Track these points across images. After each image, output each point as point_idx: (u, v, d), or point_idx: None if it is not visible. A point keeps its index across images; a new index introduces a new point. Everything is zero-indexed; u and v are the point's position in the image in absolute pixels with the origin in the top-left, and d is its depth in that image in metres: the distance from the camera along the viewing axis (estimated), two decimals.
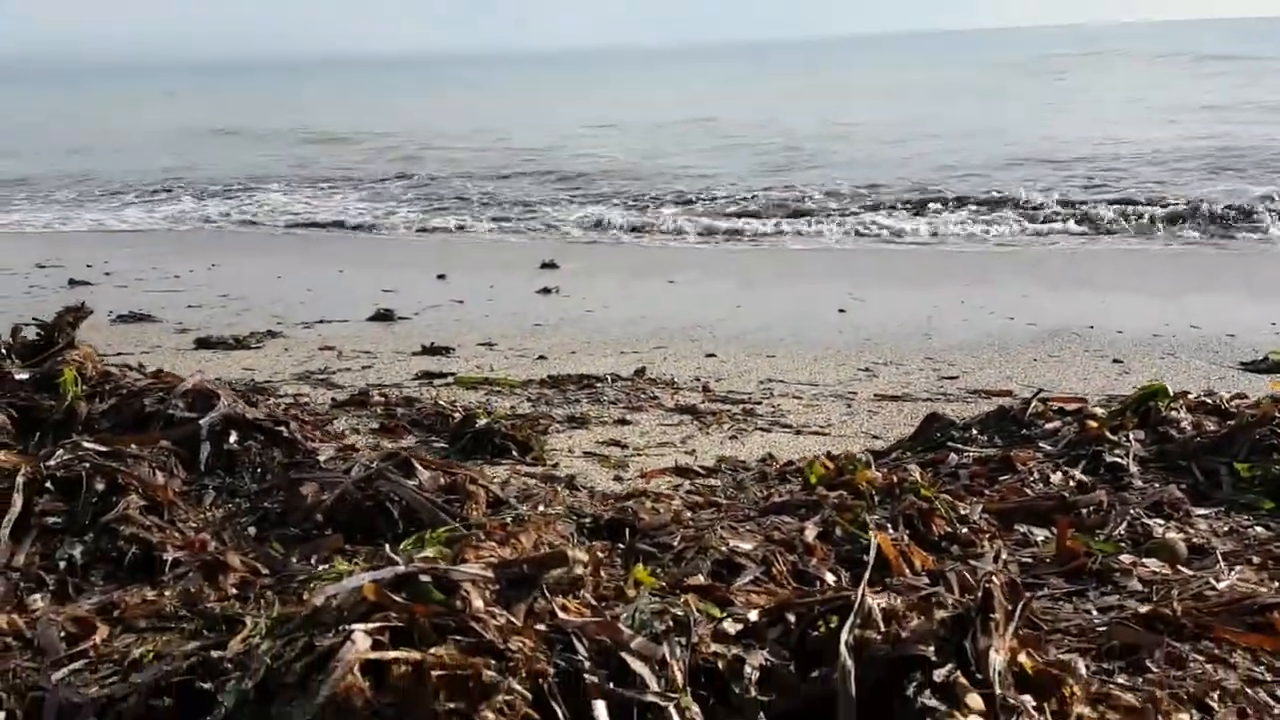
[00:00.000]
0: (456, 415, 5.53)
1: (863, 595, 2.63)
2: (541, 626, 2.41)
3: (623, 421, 6.11)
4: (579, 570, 2.65)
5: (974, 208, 14.61)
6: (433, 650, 2.14)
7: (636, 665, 2.38)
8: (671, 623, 2.51)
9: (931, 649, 2.50)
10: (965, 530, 3.77)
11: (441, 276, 10.53)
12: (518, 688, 2.19)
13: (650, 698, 2.34)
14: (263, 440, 3.50)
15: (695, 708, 2.39)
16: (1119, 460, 4.51)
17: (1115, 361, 7.77)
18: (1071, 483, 4.28)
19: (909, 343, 8.34)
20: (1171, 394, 4.91)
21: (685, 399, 6.64)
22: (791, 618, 2.68)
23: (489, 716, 2.14)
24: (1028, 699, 2.44)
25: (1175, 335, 8.54)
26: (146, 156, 23.36)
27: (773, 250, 13.51)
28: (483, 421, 5.35)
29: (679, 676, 2.42)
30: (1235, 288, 10.77)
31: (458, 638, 2.22)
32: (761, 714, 2.47)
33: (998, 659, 2.48)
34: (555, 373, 7.07)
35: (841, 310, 9.44)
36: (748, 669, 2.52)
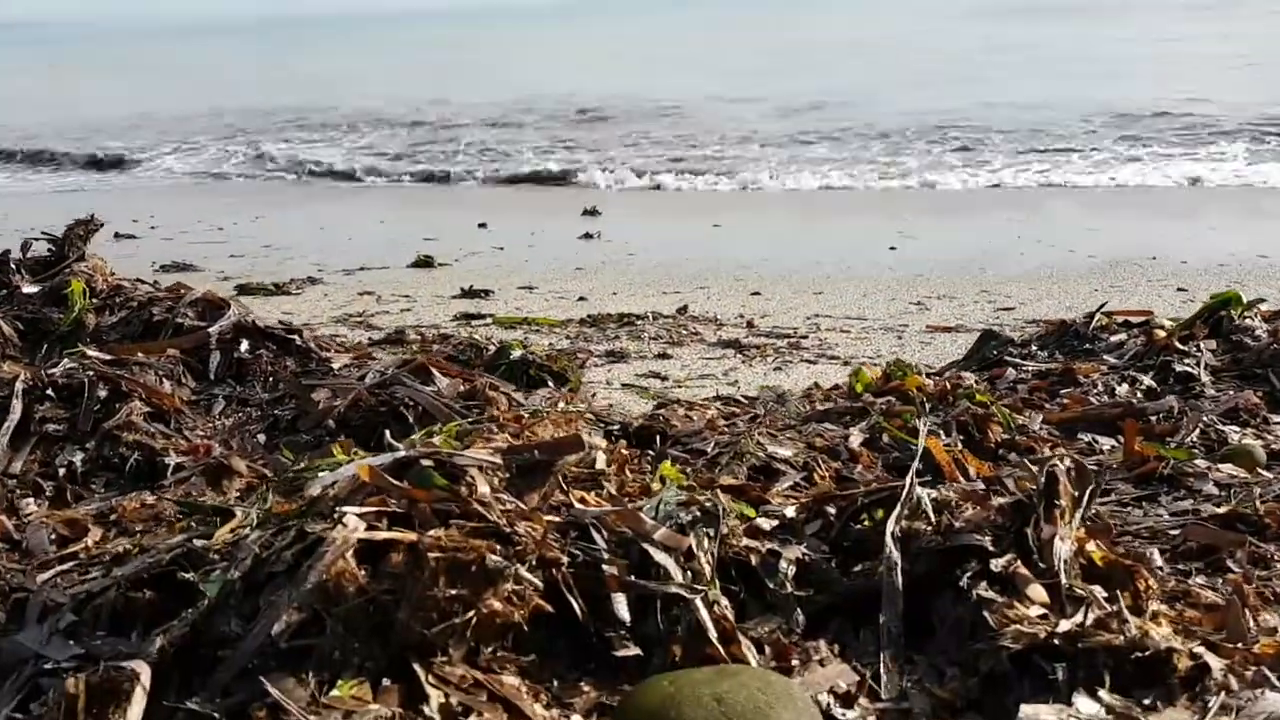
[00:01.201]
0: (491, 348, 5.34)
1: (910, 483, 2.37)
2: (556, 518, 2.18)
3: (663, 356, 5.87)
4: (599, 461, 2.41)
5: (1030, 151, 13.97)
6: (431, 532, 1.92)
7: (660, 556, 2.14)
8: (699, 514, 2.26)
9: (988, 538, 2.23)
10: (1024, 439, 3.47)
11: (483, 225, 10.35)
12: (527, 575, 1.96)
13: (674, 589, 2.10)
14: (275, 349, 3.32)
15: (724, 601, 2.15)
16: (1189, 370, 4.16)
17: (1179, 290, 7.34)
18: (1139, 391, 3.95)
19: (962, 276, 7.97)
20: (1245, 302, 4.53)
21: (728, 334, 6.38)
22: (832, 510, 2.42)
23: (495, 605, 1.92)
24: (1097, 589, 2.17)
25: (1242, 264, 8.07)
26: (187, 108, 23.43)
27: (820, 193, 13.12)
28: (517, 353, 5.12)
29: (706, 569, 2.18)
30: None
31: (461, 522, 2.00)
32: (799, 610, 2.23)
33: (1063, 547, 2.20)
34: (595, 312, 6.85)
35: (892, 247, 9.08)
36: (783, 562, 2.28)
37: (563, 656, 2.10)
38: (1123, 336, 4.64)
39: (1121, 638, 2.00)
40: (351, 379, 3.01)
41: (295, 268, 8.40)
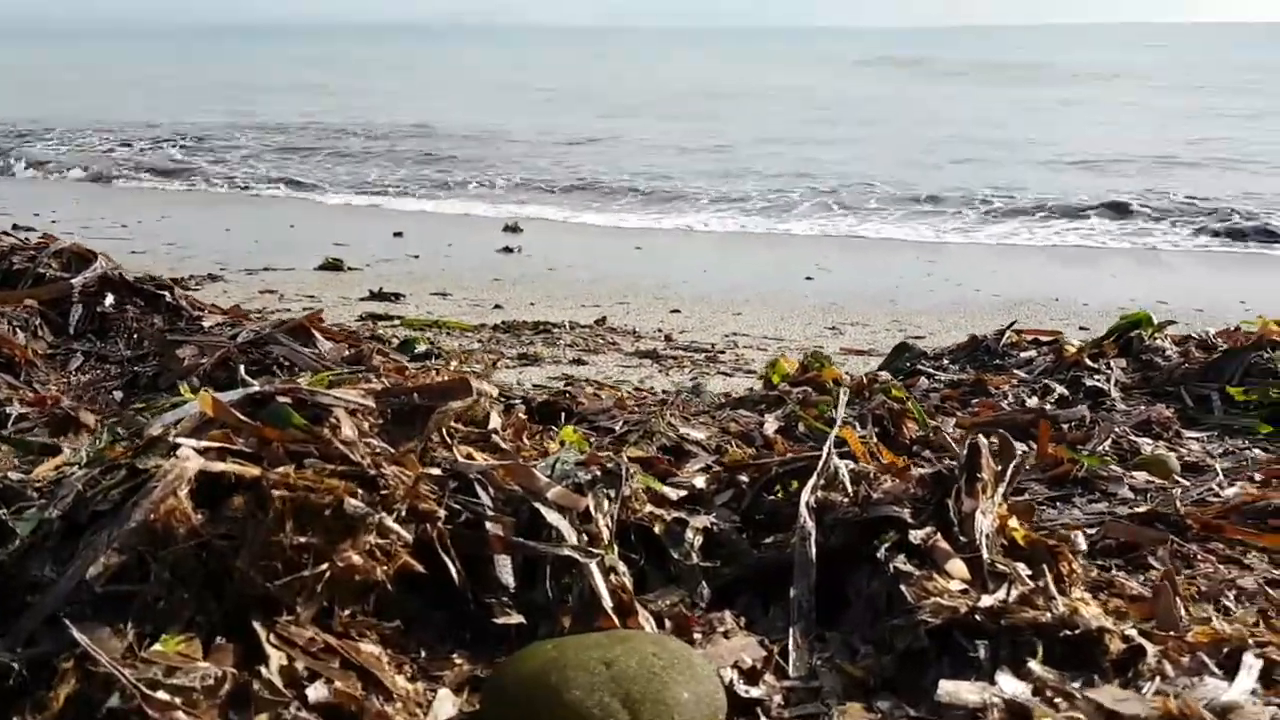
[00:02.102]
0: (394, 341, 5.03)
1: (828, 453, 2.16)
2: (436, 470, 1.91)
3: (578, 362, 5.64)
4: (493, 420, 2.15)
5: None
6: (279, 469, 1.64)
7: (552, 516, 1.89)
8: (599, 474, 2.02)
9: (907, 510, 2.03)
10: (937, 438, 3.30)
11: (398, 234, 10.04)
12: (394, 526, 1.69)
13: (566, 552, 1.85)
14: (143, 305, 2.99)
15: (622, 568, 1.90)
16: (1099, 385, 4.08)
17: (1081, 329, 7.38)
18: (1050, 400, 3.84)
19: (875, 307, 7.93)
20: (1156, 324, 4.49)
21: (646, 345, 6.19)
22: (744, 480, 2.20)
23: (353, 559, 1.64)
24: (1021, 567, 1.98)
25: (1141, 308, 8.19)
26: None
27: (741, 233, 13.06)
28: (422, 347, 4.85)
29: (605, 533, 1.93)
30: (1195, 269, 10.48)
31: (319, 464, 1.72)
32: (704, 583, 1.99)
33: (985, 521, 2.01)
34: (511, 319, 6.60)
35: (809, 278, 9.03)
36: (689, 531, 2.04)
37: (434, 625, 1.83)
38: (1033, 353, 4.56)
39: (1049, 615, 1.81)
40: (223, 337, 2.70)
41: (196, 265, 7.98)
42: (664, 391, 3.85)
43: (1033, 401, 3.98)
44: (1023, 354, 4.55)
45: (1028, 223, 12.77)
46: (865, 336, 6.94)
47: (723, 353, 6.21)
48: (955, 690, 1.67)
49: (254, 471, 1.60)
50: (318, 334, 2.76)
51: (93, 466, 1.74)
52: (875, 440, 3.05)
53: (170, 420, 1.83)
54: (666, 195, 14.02)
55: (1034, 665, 1.67)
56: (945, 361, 4.53)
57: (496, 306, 7.17)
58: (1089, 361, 4.27)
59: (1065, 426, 3.61)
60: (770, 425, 2.96)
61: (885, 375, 3.62)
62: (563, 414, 2.86)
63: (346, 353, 2.74)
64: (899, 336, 6.85)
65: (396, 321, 6.52)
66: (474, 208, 12.93)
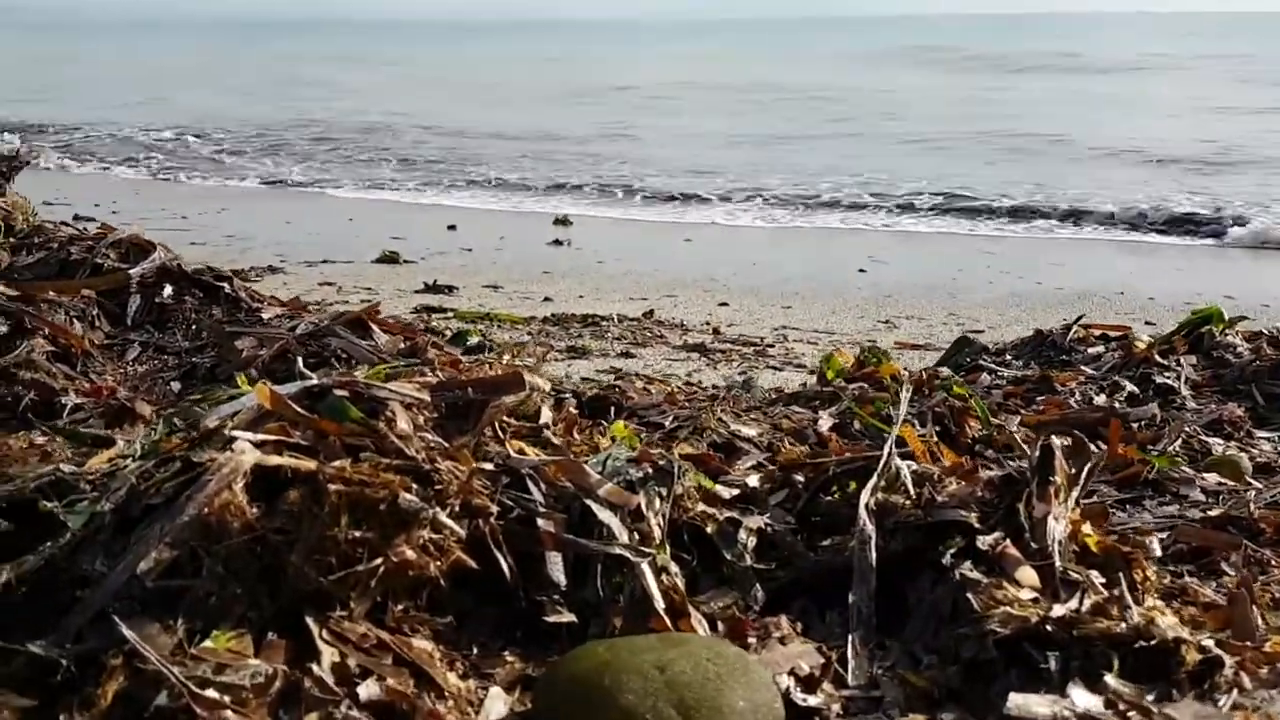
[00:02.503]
0: (448, 333, 5.04)
1: (889, 453, 2.09)
2: (488, 465, 1.88)
3: (626, 355, 5.61)
4: (545, 415, 2.11)
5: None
6: (336, 463, 1.61)
7: (603, 514, 1.84)
8: (651, 471, 1.97)
9: (974, 515, 1.95)
10: (1001, 436, 3.20)
11: (452, 227, 10.11)
12: (447, 521, 1.66)
13: (618, 550, 1.80)
14: (202, 296, 3.00)
15: (674, 568, 1.85)
16: (1169, 382, 3.93)
17: (1148, 324, 7.16)
18: (1119, 399, 3.71)
19: (931, 300, 7.78)
20: (1227, 319, 4.33)
21: (694, 339, 6.15)
22: (800, 479, 2.13)
23: (407, 554, 1.61)
24: (1094, 574, 1.89)
25: (1210, 303, 7.94)
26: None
27: (790, 227, 12.92)
28: (474, 339, 4.84)
29: (656, 532, 1.88)
30: (1260, 265, 10.16)
31: (374, 458, 1.69)
32: (758, 585, 1.93)
33: (1057, 527, 1.92)
34: (560, 312, 6.60)
35: (861, 270, 8.89)
36: (743, 532, 1.98)
37: (487, 621, 1.79)
38: (1100, 349, 4.41)
39: (1124, 625, 1.73)
40: (282, 329, 2.70)
41: (256, 257, 8.07)
42: (713, 386, 3.79)
43: (1100, 399, 3.85)
44: (1090, 349, 4.41)
45: (1088, 215, 12.47)
46: (921, 330, 6.80)
47: (772, 346, 6.14)
48: (1025, 704, 1.60)
49: (310, 465, 1.57)
50: (374, 327, 2.74)
51: (147, 459, 1.73)
52: (935, 439, 2.97)
53: (226, 412, 1.81)
54: (715, 189, 13.89)
55: (1110, 679, 1.59)
56: (1008, 357, 4.40)
57: (546, 299, 7.17)
58: (1159, 358, 4.12)
59: (1135, 426, 3.49)
60: (825, 422, 2.88)
61: (945, 371, 3.53)
62: (612, 408, 2.81)
63: (402, 345, 2.73)
64: (956, 331, 6.70)
65: (450, 314, 6.55)
66: (523, 204, 12.93)
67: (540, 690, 1.52)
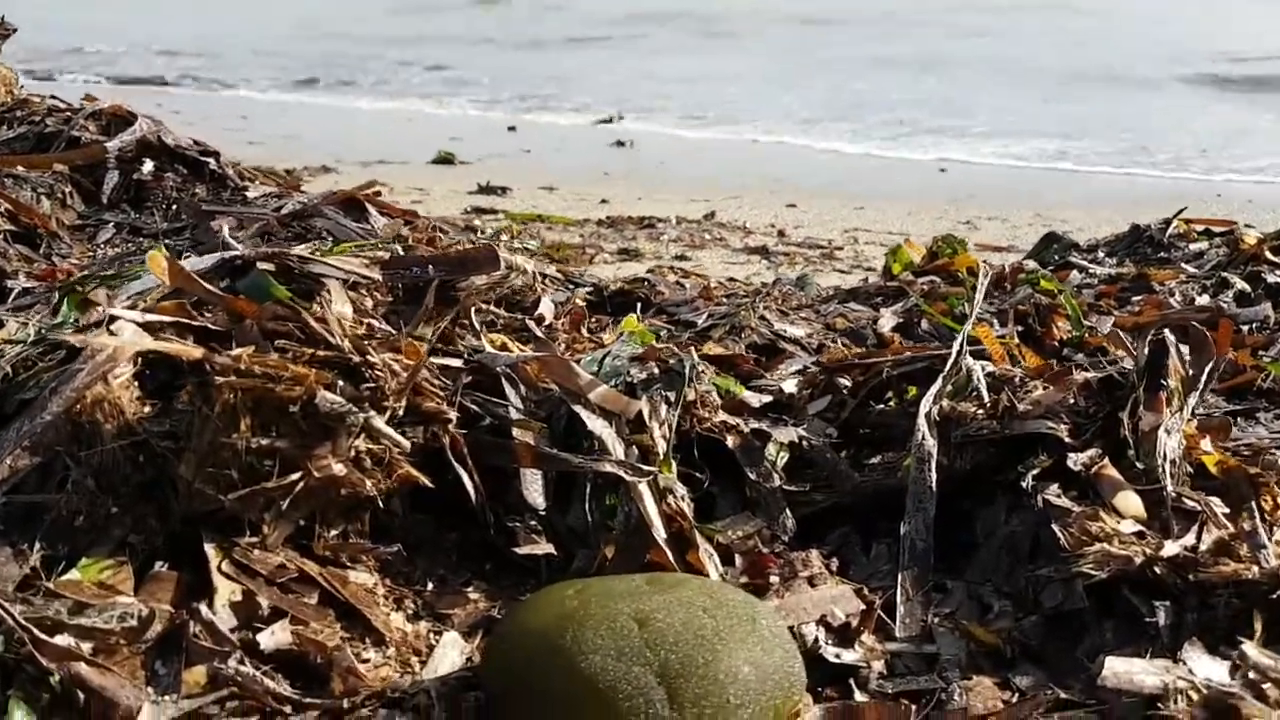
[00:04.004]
0: (487, 231, 4.68)
1: (958, 351, 1.66)
2: (455, 362, 1.51)
3: (681, 258, 5.21)
4: (544, 304, 1.73)
5: None
6: (234, 352, 1.25)
7: (594, 423, 1.46)
8: (657, 372, 1.58)
9: (1064, 428, 1.52)
10: (1094, 339, 2.73)
11: (512, 129, 9.70)
12: (385, 430, 1.30)
13: (609, 467, 1.42)
14: (185, 174, 2.68)
15: (681, 489, 1.47)
16: None
17: (1248, 227, 6.46)
18: (1227, 296, 3.19)
19: (1014, 200, 7.16)
20: None
21: (756, 241, 5.71)
22: (847, 384, 1.72)
23: (333, 468, 1.26)
24: (1215, 503, 1.46)
25: None
26: None
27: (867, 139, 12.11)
28: (505, 238, 4.48)
29: (660, 446, 1.50)
30: None
31: (300, 349, 1.33)
32: (787, 512, 1.54)
33: (1169, 442, 1.49)
34: (615, 214, 6.20)
35: (942, 169, 8.27)
36: (771, 446, 1.59)
37: (447, 552, 1.45)
38: (1203, 245, 3.86)
39: (1256, 569, 1.30)
40: (266, 209, 2.36)
41: (312, 158, 7.80)
42: (761, 283, 3.37)
43: (1204, 299, 3.33)
44: (1191, 246, 3.86)
45: (1183, 98, 11.42)
46: (1004, 231, 6.25)
47: (840, 249, 5.68)
48: (1126, 670, 1.19)
49: (194, 353, 1.22)
50: (372, 208, 2.39)
51: (36, 346, 1.40)
52: (1016, 341, 2.52)
53: (137, 290, 1.47)
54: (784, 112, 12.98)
55: (1250, 647, 1.17)
56: (1100, 254, 3.88)
57: (603, 201, 6.77)
58: (1270, 255, 3.56)
59: (1246, 328, 2.99)
60: (887, 321, 2.45)
61: (1031, 265, 3.04)
62: (638, 304, 2.42)
63: (403, 230, 2.37)
64: (1042, 232, 6.13)
65: (500, 215, 6.20)
66: (582, 119, 12.31)
67: (489, 650, 1.17)
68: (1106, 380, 1.55)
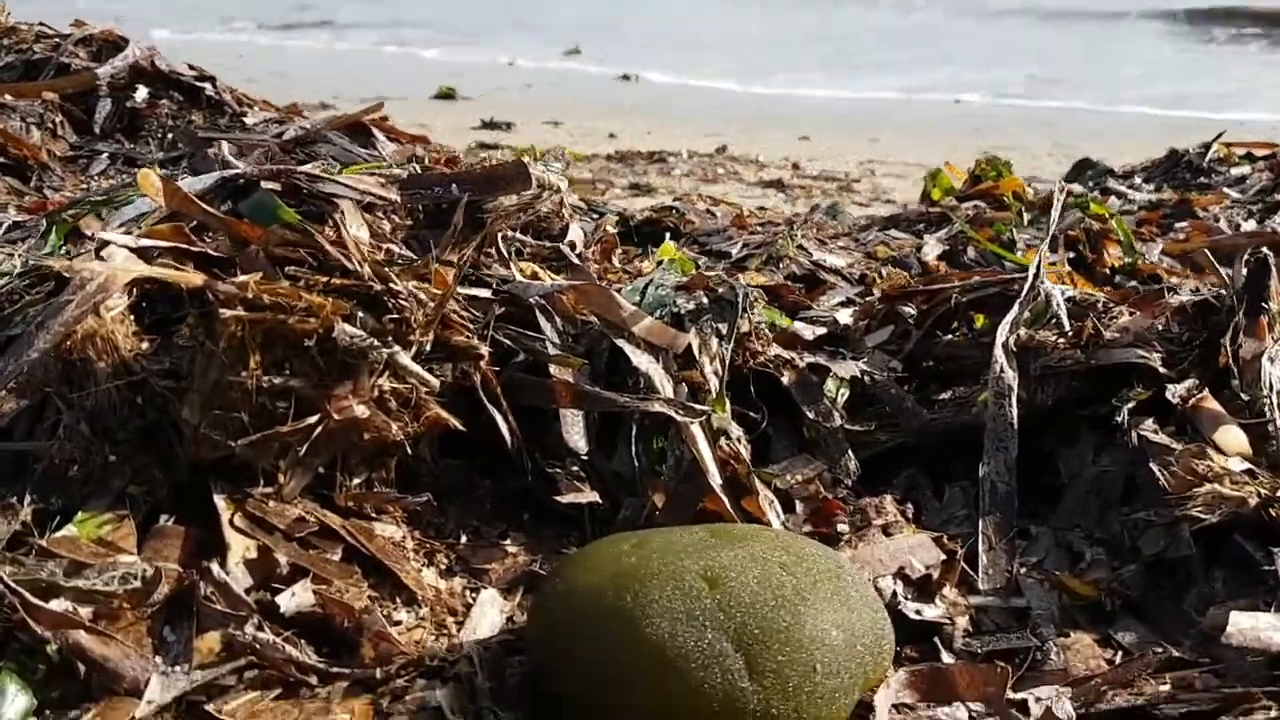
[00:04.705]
0: (490, 163, 4.50)
1: (1035, 275, 1.50)
2: (484, 292, 1.36)
3: (694, 192, 5.03)
4: (573, 229, 1.57)
5: None
6: (239, 279, 1.10)
7: (639, 359, 1.31)
8: (707, 302, 1.43)
9: (1158, 356, 1.38)
10: (1147, 266, 2.57)
11: (511, 63, 9.42)
12: (412, 366, 1.15)
13: (658, 406, 1.28)
14: (181, 100, 2.50)
15: (736, 430, 1.33)
16: None
17: None
18: (1277, 221, 3.03)
19: (1034, 129, 6.94)
20: None
21: (771, 174, 5.52)
22: (910, 313, 1.57)
23: (355, 410, 1.11)
24: None
25: None
26: None
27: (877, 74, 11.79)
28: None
29: (713, 383, 1.35)
30: None
31: (312, 277, 1.18)
32: (850, 454, 1.40)
33: (1274, 371, 1.35)
34: (624, 149, 6.00)
35: (957, 100, 8.02)
36: (831, 382, 1.44)
37: (481, 501, 1.31)
38: (1245, 169, 3.68)
39: None
40: (266, 135, 2.19)
41: (306, 94, 7.53)
42: (794, 214, 3.20)
43: (1250, 225, 3.17)
44: (1233, 170, 3.68)
45: (1218, 27, 11.09)
46: (1026, 162, 6.04)
47: (857, 181, 5.50)
48: (1251, 627, 1.06)
49: (195, 280, 1.07)
50: (379, 133, 2.22)
51: (23, 278, 1.25)
52: (1067, 269, 2.36)
53: (130, 214, 1.31)
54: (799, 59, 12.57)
55: None
56: (1137, 179, 3.70)
57: (610, 135, 6.56)
58: None
59: None
60: (931, 249, 2.29)
61: (1078, 188, 2.87)
62: (667, 234, 2.26)
63: (416, 154, 2.21)
64: (1065, 163, 5.92)
65: (505, 151, 5.99)
66: (589, 67, 11.96)
67: (536, 608, 1.04)
68: (1202, 304, 1.40)
